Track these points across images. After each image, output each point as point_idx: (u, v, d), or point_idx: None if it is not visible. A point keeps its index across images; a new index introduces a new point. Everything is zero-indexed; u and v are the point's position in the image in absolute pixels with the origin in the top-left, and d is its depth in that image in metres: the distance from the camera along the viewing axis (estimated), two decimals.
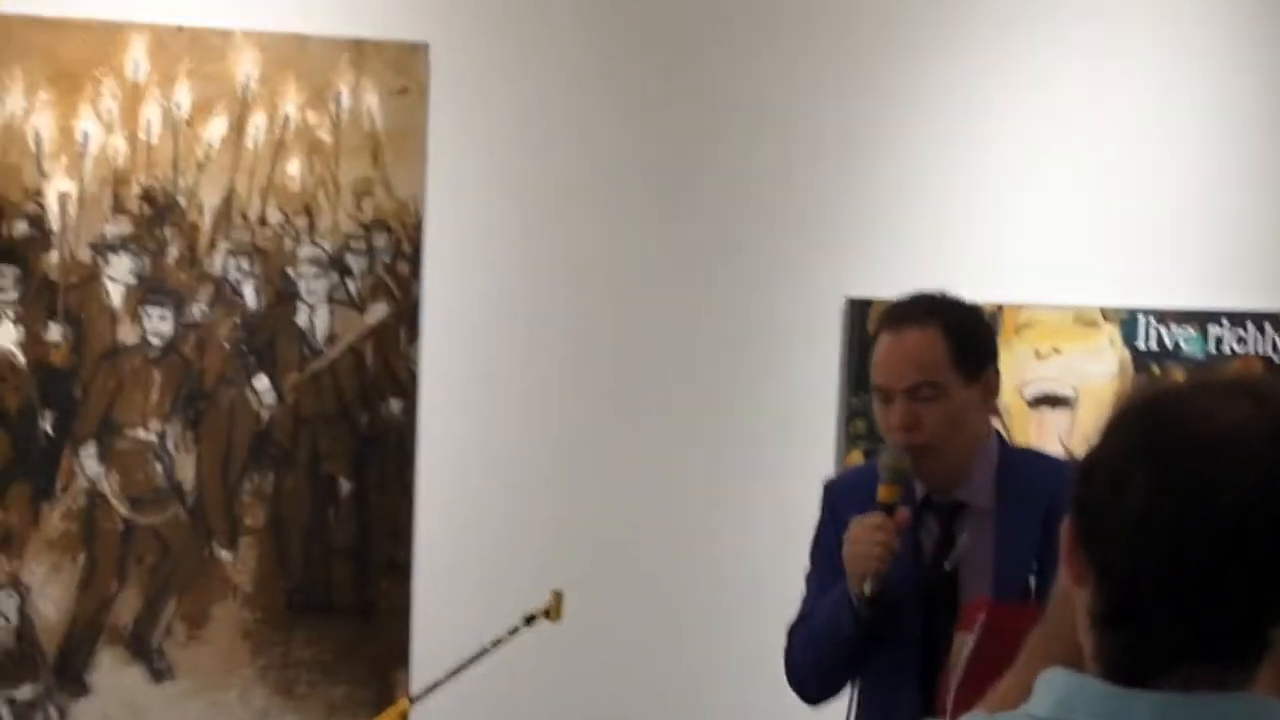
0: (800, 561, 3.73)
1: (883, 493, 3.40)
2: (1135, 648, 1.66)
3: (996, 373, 3.52)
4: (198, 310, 4.73)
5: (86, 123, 4.64)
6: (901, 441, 3.42)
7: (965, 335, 3.49)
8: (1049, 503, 3.57)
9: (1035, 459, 3.72)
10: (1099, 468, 1.68)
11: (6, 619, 4.66)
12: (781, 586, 3.94)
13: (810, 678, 3.55)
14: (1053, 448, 4.54)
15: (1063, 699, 1.69)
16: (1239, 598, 1.61)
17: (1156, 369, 5.33)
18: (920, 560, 3.45)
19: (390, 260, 4.82)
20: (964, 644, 3.30)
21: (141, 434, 4.72)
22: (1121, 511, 1.64)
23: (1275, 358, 5.44)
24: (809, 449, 4.95)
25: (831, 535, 3.51)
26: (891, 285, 5.00)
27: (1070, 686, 1.69)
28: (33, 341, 4.65)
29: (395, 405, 4.83)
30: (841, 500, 3.58)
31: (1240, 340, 5.42)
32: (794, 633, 3.58)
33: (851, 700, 3.53)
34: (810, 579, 3.63)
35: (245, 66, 4.71)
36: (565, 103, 4.94)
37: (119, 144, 4.66)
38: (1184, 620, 1.62)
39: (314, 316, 4.79)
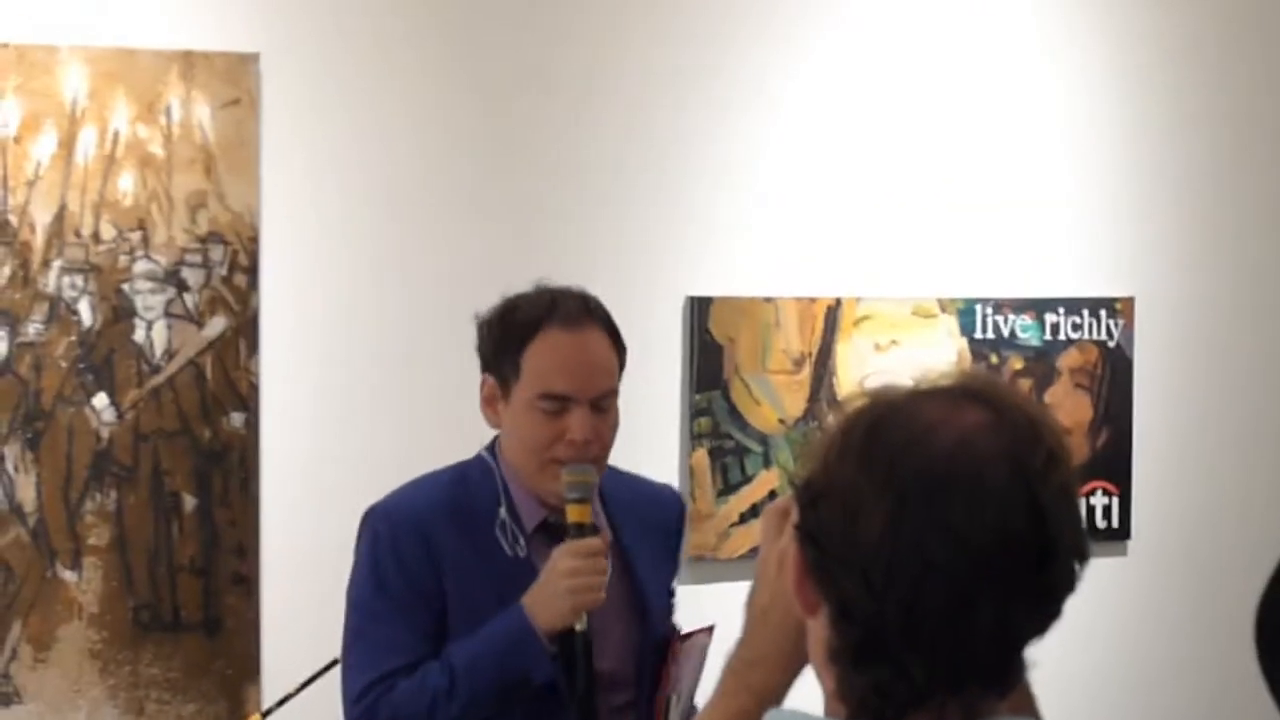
0: None
1: (577, 513, 3.04)
2: (884, 686, 1.53)
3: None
4: (33, 329, 4.67)
5: None
6: (582, 456, 3.05)
7: (620, 339, 3.19)
8: (671, 536, 3.37)
9: (625, 480, 3.37)
10: (830, 494, 1.55)
11: None
12: None
13: None
14: None
15: None
16: (988, 627, 1.51)
17: (995, 357, 5.40)
18: None
19: (227, 273, 4.78)
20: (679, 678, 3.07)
21: None
22: (858, 542, 1.51)
23: (1110, 343, 5.54)
24: (653, 449, 4.96)
25: (423, 570, 3.18)
26: (732, 283, 5.08)
27: None
28: None
29: (237, 419, 4.80)
30: (425, 530, 3.19)
31: (1075, 327, 5.51)
32: (392, 693, 3.19)
33: None
34: (381, 626, 3.26)
35: (73, 81, 4.66)
36: (397, 109, 4.93)
37: None
38: (933, 654, 1.52)
39: (151, 332, 4.74)
